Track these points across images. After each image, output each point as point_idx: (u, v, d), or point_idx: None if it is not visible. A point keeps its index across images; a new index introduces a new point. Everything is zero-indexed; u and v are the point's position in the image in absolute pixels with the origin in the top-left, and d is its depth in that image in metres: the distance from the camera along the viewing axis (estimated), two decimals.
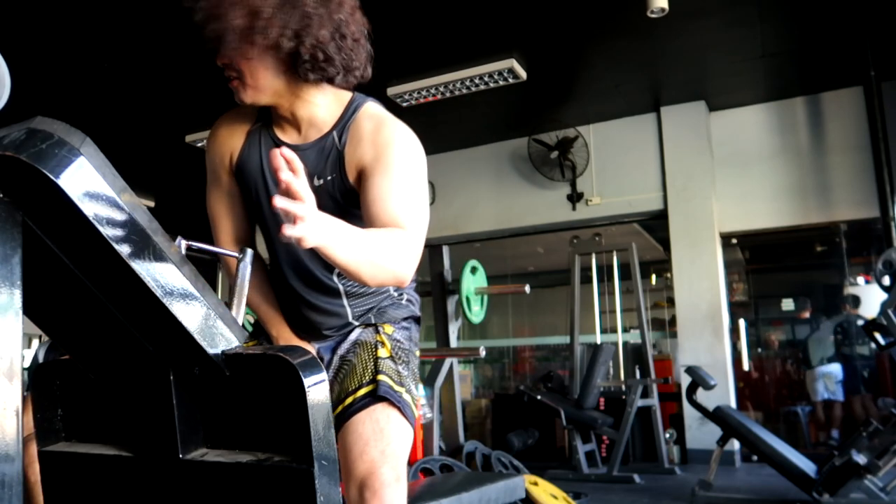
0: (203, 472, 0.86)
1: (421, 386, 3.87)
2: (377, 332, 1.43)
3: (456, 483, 1.66)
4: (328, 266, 1.36)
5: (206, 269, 7.48)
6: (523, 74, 4.96)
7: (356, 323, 1.44)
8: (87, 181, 0.68)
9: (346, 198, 1.29)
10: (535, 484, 3.18)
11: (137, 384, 0.91)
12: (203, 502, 0.87)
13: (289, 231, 0.87)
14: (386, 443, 1.23)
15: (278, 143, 1.31)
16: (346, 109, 1.31)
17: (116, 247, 0.71)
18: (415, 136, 1.29)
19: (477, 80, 5.01)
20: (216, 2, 1.18)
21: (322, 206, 1.24)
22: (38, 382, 1.01)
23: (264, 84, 1.23)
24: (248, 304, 1.43)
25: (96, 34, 4.39)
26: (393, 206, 1.18)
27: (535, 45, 4.72)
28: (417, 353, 1.49)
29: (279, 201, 0.86)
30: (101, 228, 0.70)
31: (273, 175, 1.30)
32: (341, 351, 1.43)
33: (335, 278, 1.39)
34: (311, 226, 0.89)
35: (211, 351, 0.84)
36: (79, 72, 4.88)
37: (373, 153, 1.24)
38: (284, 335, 1.45)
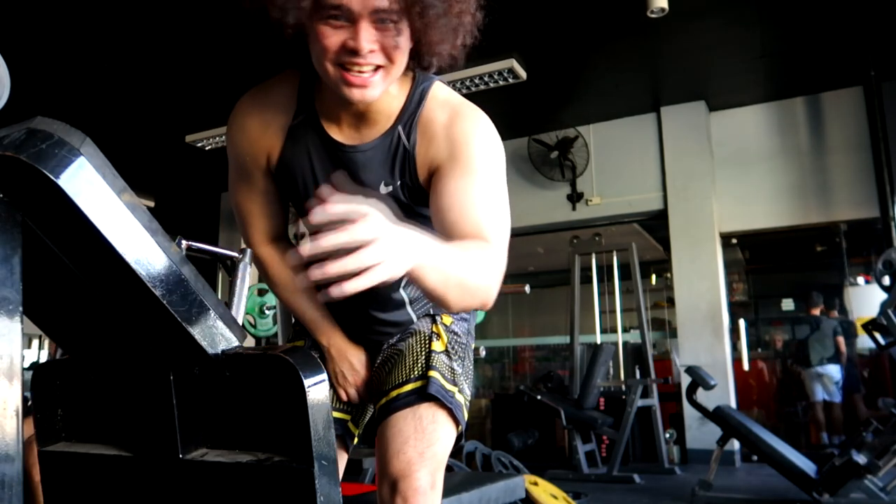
0: (203, 472, 0.86)
1: None
2: (434, 322, 1.29)
3: (456, 483, 1.66)
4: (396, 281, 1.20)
5: (206, 269, 7.49)
6: (523, 74, 4.96)
7: (416, 320, 1.32)
8: (87, 181, 0.68)
9: (415, 198, 1.13)
10: (535, 484, 3.18)
11: (137, 384, 0.91)
12: (203, 502, 0.88)
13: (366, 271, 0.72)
14: (427, 444, 1.13)
15: (331, 144, 1.11)
16: (411, 96, 1.10)
17: (116, 247, 0.71)
18: (493, 127, 1.11)
19: (477, 80, 5.01)
20: None
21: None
22: (38, 382, 1.01)
23: (397, 76, 1.04)
24: (290, 309, 1.31)
25: (96, 34, 4.39)
26: (475, 215, 1.02)
27: (535, 45, 4.72)
28: (473, 346, 1.35)
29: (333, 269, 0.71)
30: (101, 228, 0.70)
31: (322, 182, 1.12)
32: (392, 339, 1.31)
33: (401, 290, 1.25)
34: (393, 256, 0.75)
35: (211, 351, 0.84)
36: (79, 72, 4.89)
37: (448, 150, 1.06)
38: (337, 343, 1.29)
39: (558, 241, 7.15)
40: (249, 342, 3.76)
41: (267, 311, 4.11)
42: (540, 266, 9.10)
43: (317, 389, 0.81)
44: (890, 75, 5.13)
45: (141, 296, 0.76)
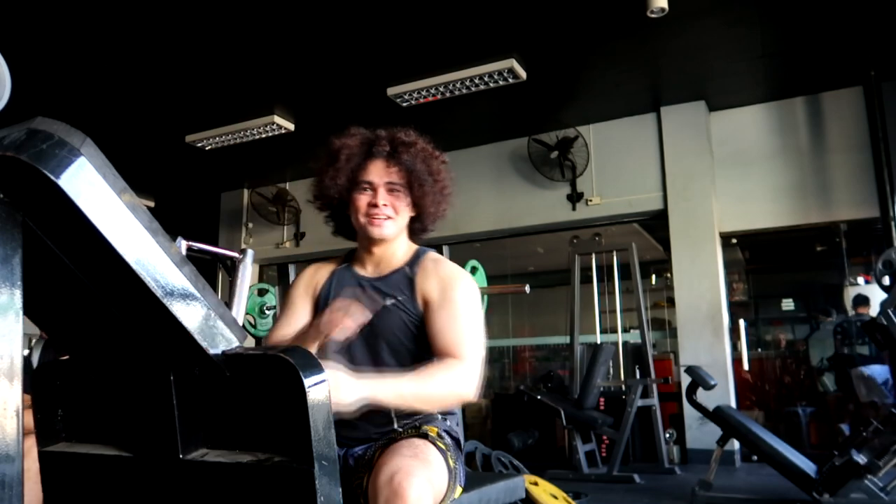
0: (203, 472, 0.86)
1: None
2: (421, 427, 1.46)
3: None
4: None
5: (206, 269, 7.48)
6: (523, 74, 4.96)
7: (399, 429, 1.47)
8: (88, 181, 0.68)
9: (412, 319, 1.50)
10: (536, 484, 3.18)
11: (137, 384, 0.91)
12: (203, 502, 0.87)
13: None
14: (419, 451, 1.27)
15: (357, 277, 1.59)
16: (415, 254, 1.60)
17: (116, 247, 0.71)
18: (470, 276, 1.56)
19: (477, 80, 5.01)
20: (427, 169, 1.54)
21: (393, 323, 1.51)
22: (38, 382, 1.01)
23: (402, 225, 1.56)
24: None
25: (96, 34, 4.39)
26: (453, 338, 1.41)
27: (535, 45, 4.72)
28: (462, 462, 1.47)
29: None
30: (101, 228, 0.70)
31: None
32: (378, 445, 1.42)
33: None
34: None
35: (211, 351, 0.83)
36: (79, 72, 4.88)
37: (439, 288, 1.49)
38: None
39: (558, 241, 7.14)
40: (249, 342, 3.75)
41: (267, 311, 4.10)
42: (540, 266, 9.10)
43: (317, 389, 0.81)
44: (890, 75, 5.13)
45: (141, 296, 0.76)
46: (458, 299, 1.47)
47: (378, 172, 1.52)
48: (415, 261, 1.57)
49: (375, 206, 1.51)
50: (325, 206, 1.60)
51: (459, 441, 1.53)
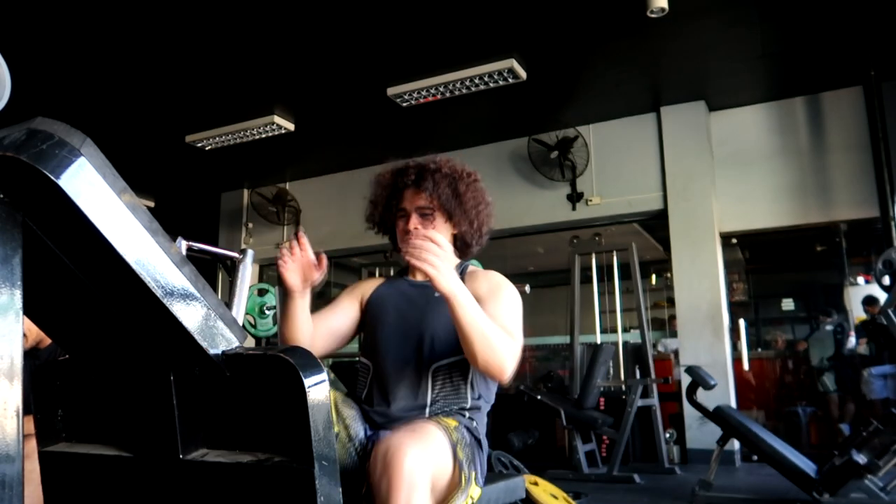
0: (203, 472, 0.86)
1: None
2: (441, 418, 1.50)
3: None
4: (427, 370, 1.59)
5: (206, 269, 7.47)
6: (523, 74, 4.96)
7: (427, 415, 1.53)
8: (88, 182, 0.68)
9: None
10: (536, 484, 3.18)
11: (137, 384, 0.91)
12: (203, 502, 0.87)
13: (419, 258, 1.33)
14: (418, 428, 1.31)
15: (408, 281, 1.75)
16: (460, 265, 1.73)
17: (116, 247, 0.71)
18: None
19: (477, 80, 5.01)
20: (453, 191, 1.67)
21: (443, 315, 1.55)
22: (38, 382, 1.01)
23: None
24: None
25: (96, 34, 4.39)
26: (503, 323, 1.50)
27: (535, 45, 4.72)
28: (483, 461, 1.53)
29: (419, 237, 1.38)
30: (101, 229, 0.70)
31: (397, 306, 1.68)
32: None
33: (429, 381, 1.57)
34: (441, 266, 1.36)
35: (211, 351, 0.84)
36: (79, 72, 4.89)
37: (487, 287, 1.61)
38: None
39: (558, 241, 7.14)
40: (249, 342, 3.76)
41: (267, 311, 4.10)
42: (540, 266, 9.09)
43: (317, 389, 0.81)
44: (890, 75, 5.13)
45: (141, 296, 0.76)
46: (507, 297, 1.59)
47: (409, 199, 1.68)
48: (461, 271, 1.69)
49: (408, 231, 1.65)
50: (378, 229, 1.78)
51: (480, 441, 1.54)
